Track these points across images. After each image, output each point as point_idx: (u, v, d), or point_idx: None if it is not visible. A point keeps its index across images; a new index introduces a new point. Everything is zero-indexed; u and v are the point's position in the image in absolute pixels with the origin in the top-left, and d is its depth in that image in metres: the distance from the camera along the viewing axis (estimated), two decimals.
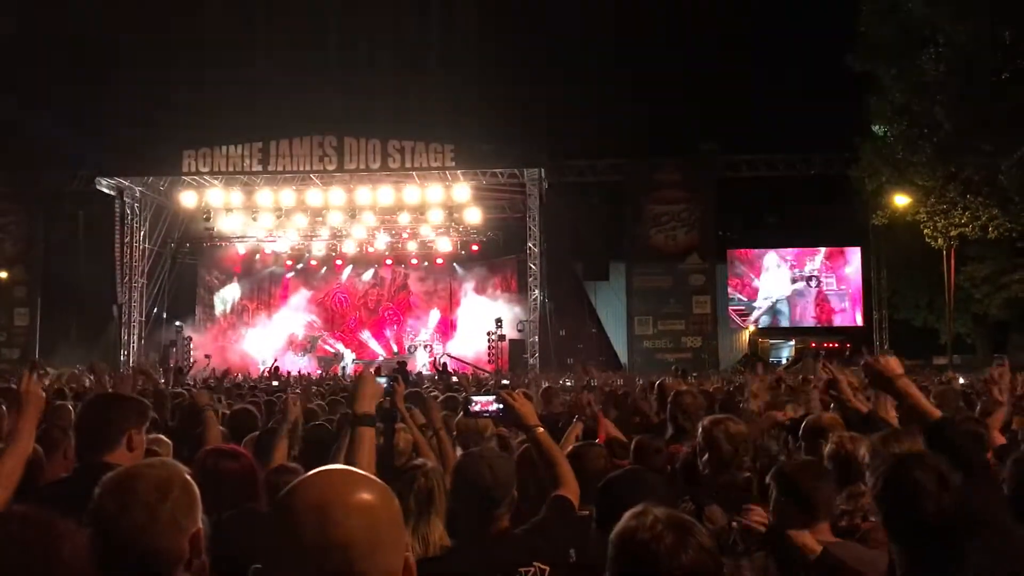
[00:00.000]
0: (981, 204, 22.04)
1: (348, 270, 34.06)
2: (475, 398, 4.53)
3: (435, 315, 33.67)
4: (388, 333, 34.04)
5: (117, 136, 27.98)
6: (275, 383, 16.55)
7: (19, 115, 27.03)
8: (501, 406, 4.08)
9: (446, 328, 33.32)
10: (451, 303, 33.48)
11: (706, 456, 3.89)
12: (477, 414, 4.47)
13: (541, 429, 3.63)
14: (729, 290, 30.78)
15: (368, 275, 34.21)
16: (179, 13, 33.06)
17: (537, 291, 27.38)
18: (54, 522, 1.83)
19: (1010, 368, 6.32)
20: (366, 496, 1.42)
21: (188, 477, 1.93)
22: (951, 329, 25.43)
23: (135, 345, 28.34)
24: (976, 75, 20.32)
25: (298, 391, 8.60)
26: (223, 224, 30.14)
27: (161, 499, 1.83)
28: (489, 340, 30.56)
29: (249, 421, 5.95)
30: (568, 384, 15.61)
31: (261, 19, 32.19)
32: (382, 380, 4.36)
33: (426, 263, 33.03)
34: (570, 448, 4.26)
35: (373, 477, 1.51)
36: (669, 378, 9.33)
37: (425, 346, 32.65)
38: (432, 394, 8.41)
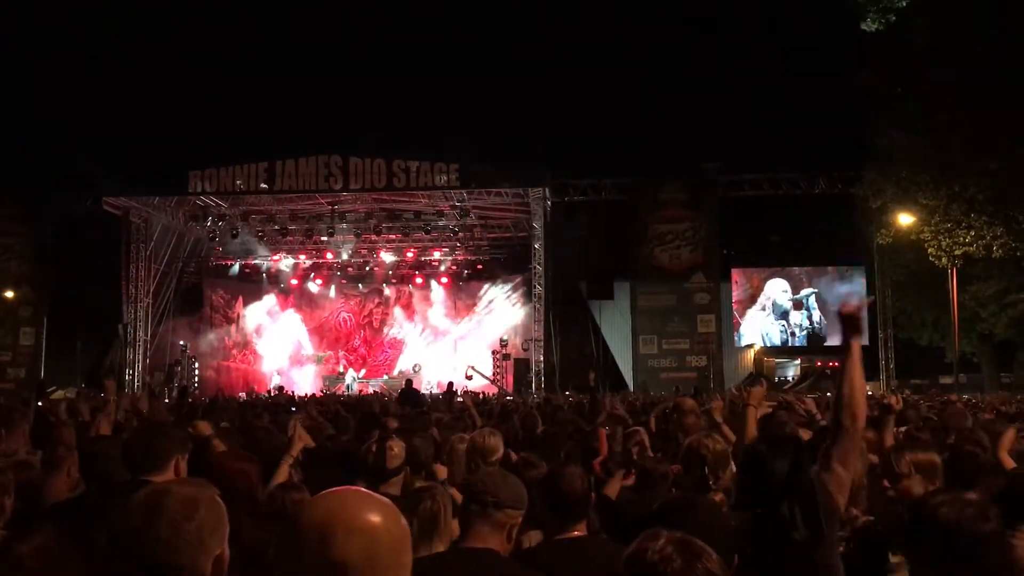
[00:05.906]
0: (985, 223, 21.99)
1: (353, 289, 34.12)
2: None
3: (439, 333, 33.66)
4: (391, 352, 34.04)
5: (124, 157, 28.12)
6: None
7: (26, 136, 27.21)
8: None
9: (450, 346, 33.30)
10: (455, 321, 33.48)
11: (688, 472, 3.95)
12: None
13: None
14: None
15: (372, 294, 34.26)
16: (187, 35, 33.44)
17: (541, 309, 27.38)
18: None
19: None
20: (369, 518, 1.46)
21: (217, 498, 1.89)
22: (957, 348, 25.31)
23: (140, 365, 28.35)
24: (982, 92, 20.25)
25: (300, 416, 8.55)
26: (228, 243, 30.24)
27: (188, 516, 1.79)
28: (494, 358, 30.55)
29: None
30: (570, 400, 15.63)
31: (267, 43, 32.47)
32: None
33: (431, 282, 33.07)
34: (546, 468, 4.19)
35: (382, 499, 1.53)
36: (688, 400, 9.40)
37: (427, 365, 32.60)
38: (437, 415, 8.43)
